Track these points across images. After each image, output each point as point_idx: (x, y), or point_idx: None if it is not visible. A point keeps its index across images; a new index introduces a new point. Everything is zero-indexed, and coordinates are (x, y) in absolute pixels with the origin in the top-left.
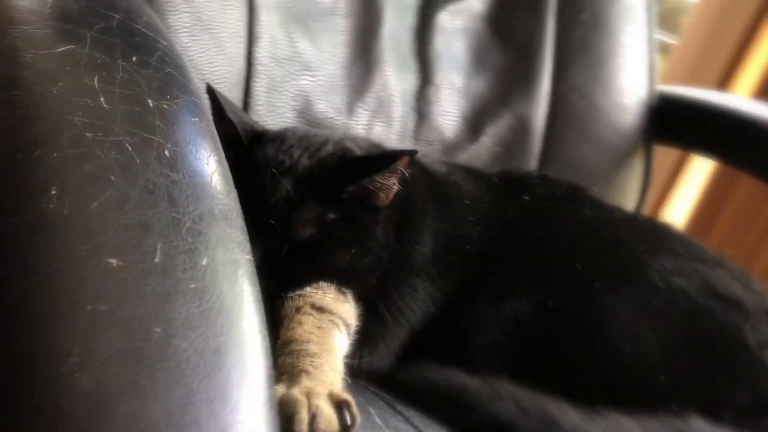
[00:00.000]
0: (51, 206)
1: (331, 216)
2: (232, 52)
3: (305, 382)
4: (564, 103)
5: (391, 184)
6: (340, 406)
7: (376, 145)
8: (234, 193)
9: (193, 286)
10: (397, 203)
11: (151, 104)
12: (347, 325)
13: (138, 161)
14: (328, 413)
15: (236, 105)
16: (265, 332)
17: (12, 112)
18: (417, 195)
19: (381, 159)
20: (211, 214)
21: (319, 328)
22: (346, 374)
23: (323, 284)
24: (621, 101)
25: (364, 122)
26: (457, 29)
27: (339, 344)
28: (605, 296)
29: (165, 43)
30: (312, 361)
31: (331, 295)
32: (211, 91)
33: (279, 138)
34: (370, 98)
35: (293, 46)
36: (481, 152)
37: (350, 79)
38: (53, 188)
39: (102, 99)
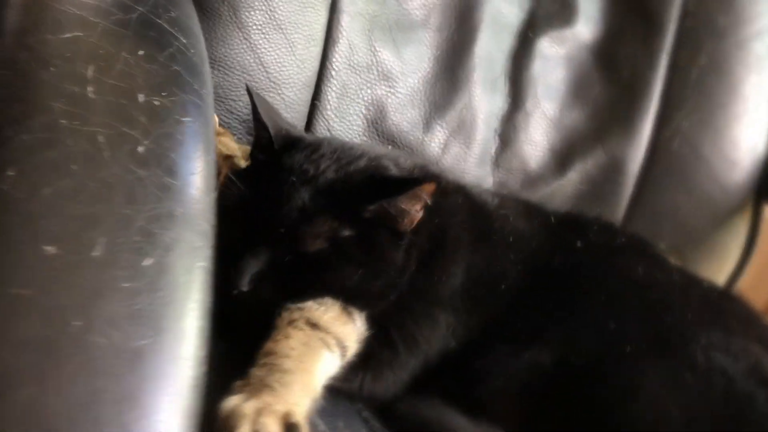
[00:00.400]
0: (4, 187)
1: (346, 233)
2: (304, 55)
3: (265, 398)
4: (665, 148)
5: (414, 211)
6: (289, 428)
7: (422, 167)
8: (209, 199)
9: (127, 285)
10: (428, 231)
11: (141, 99)
12: (342, 347)
13: (106, 154)
14: None
15: (274, 107)
16: (204, 342)
17: None
18: (453, 224)
19: (400, 183)
20: (170, 216)
21: (304, 345)
22: (339, 395)
23: (328, 301)
24: (731, 154)
25: (441, 141)
26: (558, 56)
27: (323, 365)
28: (634, 362)
29: (183, 41)
30: (281, 378)
31: (332, 314)
32: (249, 92)
33: (312, 146)
34: (451, 117)
35: (374, 54)
36: (565, 188)
37: (432, 94)
38: (11, 170)
39: (90, 88)
